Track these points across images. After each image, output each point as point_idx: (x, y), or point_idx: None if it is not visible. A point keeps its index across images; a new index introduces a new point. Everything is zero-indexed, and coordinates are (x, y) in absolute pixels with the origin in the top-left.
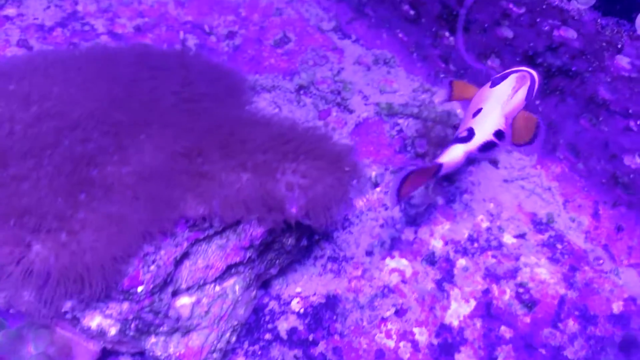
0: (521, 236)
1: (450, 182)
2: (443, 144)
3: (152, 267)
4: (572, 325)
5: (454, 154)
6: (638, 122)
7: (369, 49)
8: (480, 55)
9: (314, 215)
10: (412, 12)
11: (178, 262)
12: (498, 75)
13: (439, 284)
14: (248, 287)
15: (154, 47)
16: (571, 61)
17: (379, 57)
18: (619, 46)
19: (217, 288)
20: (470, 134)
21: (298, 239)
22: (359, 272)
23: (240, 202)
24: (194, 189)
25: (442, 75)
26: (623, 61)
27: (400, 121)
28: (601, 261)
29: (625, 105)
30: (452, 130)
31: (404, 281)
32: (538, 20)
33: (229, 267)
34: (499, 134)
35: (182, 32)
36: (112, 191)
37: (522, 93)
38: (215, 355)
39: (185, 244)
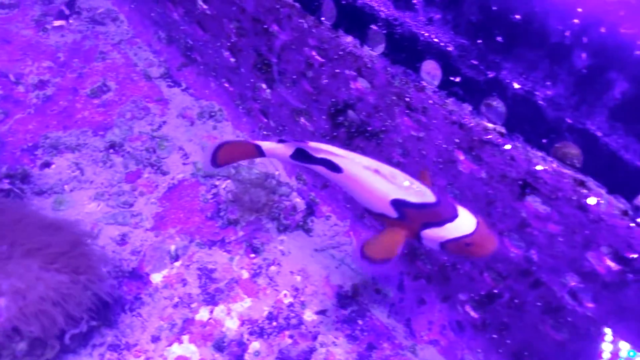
0: (322, 312)
1: (258, 253)
2: (257, 208)
3: None
4: None
5: (272, 146)
6: None
7: (198, 98)
8: (292, 110)
9: (33, 322)
10: (232, 60)
11: None
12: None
13: None
14: None
15: None
16: (368, 119)
17: (206, 109)
18: (407, 99)
19: None
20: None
21: (37, 340)
22: None
23: None
24: None
25: (264, 132)
26: (412, 118)
27: (217, 182)
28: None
29: (417, 170)
30: (266, 194)
31: None
32: (337, 70)
33: None
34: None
35: None
36: None
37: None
38: None
39: None
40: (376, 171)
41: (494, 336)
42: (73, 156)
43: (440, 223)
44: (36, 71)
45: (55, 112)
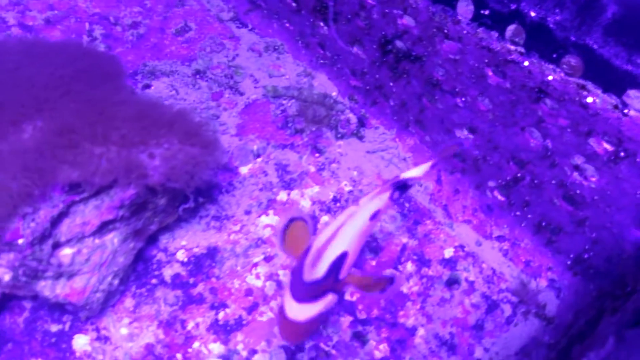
0: None
1: (321, 153)
2: (318, 120)
3: (32, 224)
4: (409, 267)
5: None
6: (463, 99)
7: (262, 37)
8: (347, 43)
9: (177, 180)
10: (294, 5)
11: (56, 220)
12: None
13: None
14: (125, 240)
15: (41, 40)
16: (412, 47)
17: (270, 44)
18: (446, 31)
19: (97, 241)
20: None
21: (172, 200)
22: (238, 228)
23: (109, 170)
24: (68, 160)
25: (321, 61)
26: (450, 45)
27: (284, 102)
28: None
29: (453, 84)
30: (326, 110)
31: (275, 234)
32: (386, 10)
33: (105, 223)
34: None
35: (87, 24)
36: None
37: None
38: (98, 295)
39: (62, 205)
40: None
41: (518, 213)
42: (168, 80)
43: (293, 290)
44: (129, 15)
45: (148, 47)
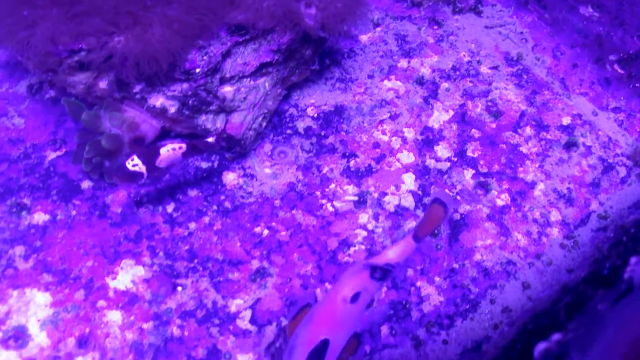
0: (495, 68)
1: (440, 26)
2: None
3: (205, 57)
4: (528, 130)
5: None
6: None
7: None
8: None
9: (329, 28)
10: None
11: (224, 57)
12: None
13: (425, 99)
14: (275, 85)
15: None
16: None
17: None
18: None
19: (252, 82)
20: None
21: (314, 52)
22: (362, 90)
23: (270, 15)
24: (233, 4)
25: None
26: None
27: None
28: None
29: None
30: None
31: (397, 96)
32: None
33: (261, 66)
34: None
35: None
36: (171, 1)
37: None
38: (250, 132)
39: (228, 44)
40: None
41: (637, 85)
42: None
43: None
44: None
45: None
